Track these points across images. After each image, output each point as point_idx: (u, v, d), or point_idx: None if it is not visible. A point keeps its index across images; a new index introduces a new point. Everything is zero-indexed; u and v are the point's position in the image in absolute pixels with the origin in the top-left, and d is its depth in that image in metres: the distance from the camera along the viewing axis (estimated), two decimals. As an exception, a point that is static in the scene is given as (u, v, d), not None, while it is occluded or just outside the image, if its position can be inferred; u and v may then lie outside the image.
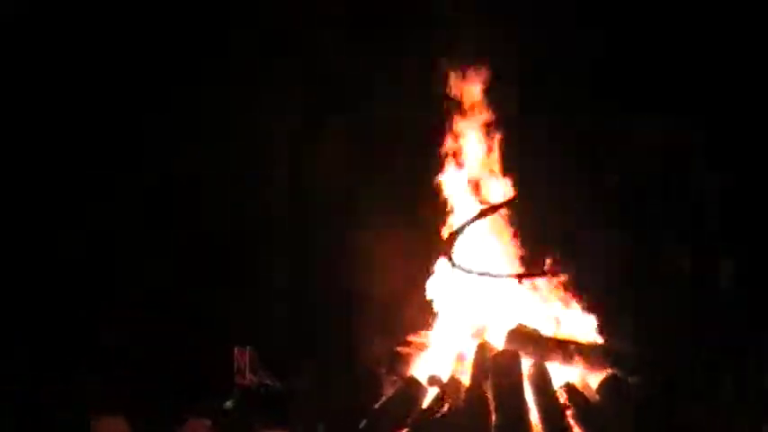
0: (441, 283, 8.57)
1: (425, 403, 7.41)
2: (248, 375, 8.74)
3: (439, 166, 9.04)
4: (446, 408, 7.21)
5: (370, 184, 9.47)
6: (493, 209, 8.61)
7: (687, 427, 7.11)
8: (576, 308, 8.45)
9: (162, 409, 8.10)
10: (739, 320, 8.66)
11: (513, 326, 7.88)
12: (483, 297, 8.26)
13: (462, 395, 7.26)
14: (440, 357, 8.00)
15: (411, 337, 8.35)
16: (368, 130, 9.96)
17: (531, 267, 8.61)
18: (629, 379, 7.58)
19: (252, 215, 10.07)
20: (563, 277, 8.46)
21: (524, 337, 7.80)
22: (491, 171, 8.95)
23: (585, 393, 7.42)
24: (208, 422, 8.02)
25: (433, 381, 7.49)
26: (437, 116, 9.06)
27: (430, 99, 9.17)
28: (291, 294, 9.87)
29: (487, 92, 9.01)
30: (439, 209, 8.90)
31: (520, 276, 8.43)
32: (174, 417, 8.01)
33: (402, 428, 7.15)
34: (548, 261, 8.55)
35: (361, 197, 9.45)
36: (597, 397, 7.43)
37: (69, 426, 7.75)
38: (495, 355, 7.52)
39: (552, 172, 9.32)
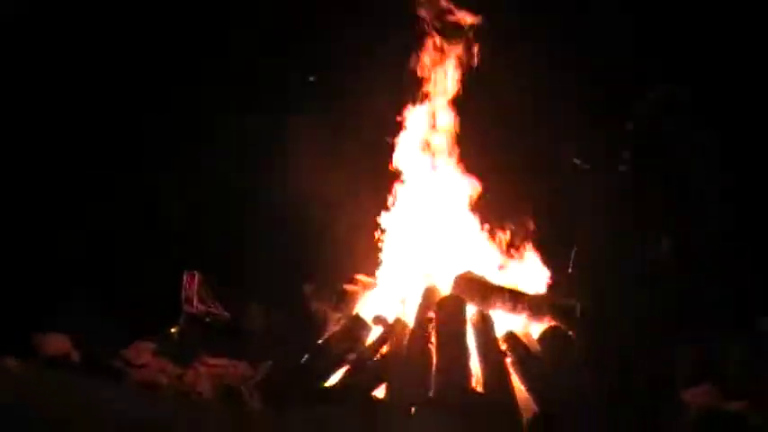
0: (391, 225, 8.69)
1: (368, 342, 7.49)
2: (196, 302, 8.88)
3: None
4: (388, 348, 7.30)
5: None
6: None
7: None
8: (528, 259, 8.61)
9: (107, 329, 8.18)
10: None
11: (460, 271, 7.95)
12: (433, 241, 8.34)
13: (406, 336, 7.33)
14: (387, 298, 8.10)
15: (359, 276, 8.47)
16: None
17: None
18: (570, 332, 7.67)
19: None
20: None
21: (471, 284, 7.87)
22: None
23: (526, 342, 7.50)
24: (152, 345, 8.13)
25: (378, 320, 7.58)
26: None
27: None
28: (238, 232, 9.94)
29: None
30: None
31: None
32: (120, 338, 8.12)
33: (343, 365, 7.25)
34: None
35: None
36: (537, 347, 7.52)
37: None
38: (441, 299, 7.60)
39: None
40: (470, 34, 9.04)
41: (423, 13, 8.98)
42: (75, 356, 7.65)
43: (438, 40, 9.08)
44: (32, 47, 9.78)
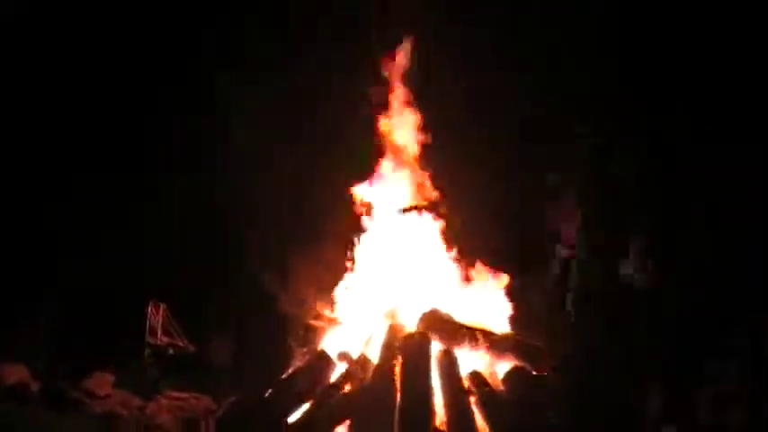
0: (357, 263, 8.65)
1: (333, 378, 7.37)
2: (160, 334, 8.87)
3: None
4: (352, 384, 7.20)
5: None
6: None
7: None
8: (494, 297, 8.51)
9: (67, 359, 8.14)
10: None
11: (426, 309, 7.89)
12: (399, 278, 8.30)
13: (370, 373, 7.23)
14: (351, 334, 8.01)
15: (325, 312, 8.38)
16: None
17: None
18: (534, 372, 7.61)
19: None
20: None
21: (436, 321, 7.81)
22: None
23: (491, 382, 7.40)
24: (113, 377, 8.06)
25: (343, 356, 7.49)
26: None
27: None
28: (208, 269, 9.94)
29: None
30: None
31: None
32: (79, 368, 8.05)
33: (307, 400, 7.12)
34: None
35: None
36: (502, 386, 7.41)
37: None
38: (406, 336, 7.53)
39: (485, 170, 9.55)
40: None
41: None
42: (34, 386, 7.56)
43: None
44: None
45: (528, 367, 7.65)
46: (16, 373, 7.69)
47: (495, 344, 7.83)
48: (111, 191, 9.95)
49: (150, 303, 8.90)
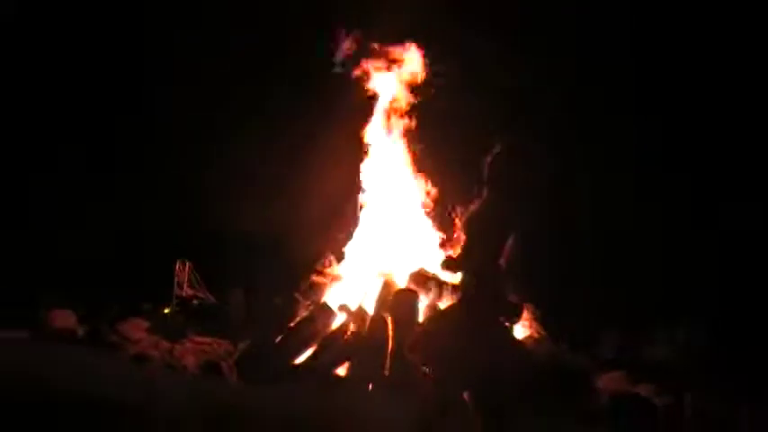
0: (357, 228, 9.07)
1: (334, 326, 7.84)
2: (186, 288, 9.27)
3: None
4: (350, 332, 7.70)
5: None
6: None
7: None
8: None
9: (108, 308, 8.61)
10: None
11: (414, 269, 8.36)
12: (393, 242, 8.75)
13: (366, 323, 7.72)
14: (350, 289, 8.46)
15: (326, 269, 8.84)
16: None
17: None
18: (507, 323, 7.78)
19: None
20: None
21: (423, 280, 8.22)
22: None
23: None
24: (145, 323, 8.52)
25: (343, 308, 7.95)
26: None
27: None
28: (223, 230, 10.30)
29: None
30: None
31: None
32: (118, 315, 8.52)
33: (312, 345, 7.63)
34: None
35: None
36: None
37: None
38: (397, 291, 7.97)
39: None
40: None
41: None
42: (80, 331, 8.10)
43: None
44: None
45: (502, 319, 7.64)
46: (65, 319, 8.18)
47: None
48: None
49: (178, 261, 9.29)
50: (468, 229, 5.86)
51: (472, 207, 5.89)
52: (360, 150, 9.30)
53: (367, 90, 9.31)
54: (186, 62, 10.53)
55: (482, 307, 5.73)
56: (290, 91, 10.56)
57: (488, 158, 5.80)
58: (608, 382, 7.86)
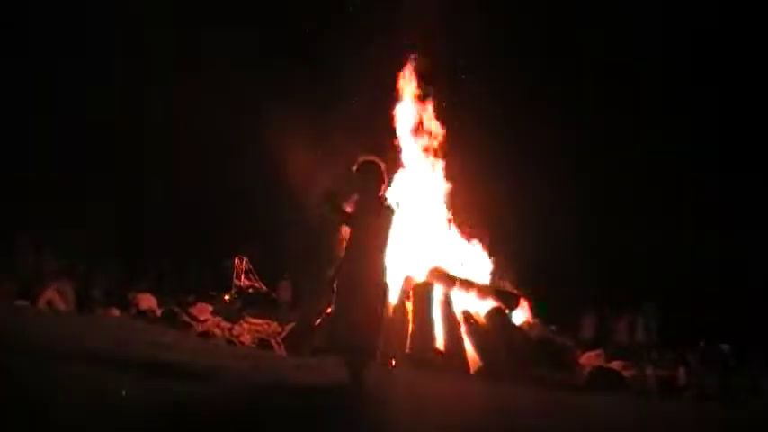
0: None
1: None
2: (243, 278, 10.19)
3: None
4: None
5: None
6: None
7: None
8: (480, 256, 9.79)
9: (183, 294, 9.49)
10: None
11: (432, 266, 9.09)
12: (413, 242, 9.35)
13: (391, 311, 8.35)
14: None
15: None
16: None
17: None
18: (508, 311, 8.93)
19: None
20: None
21: (439, 275, 9.00)
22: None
23: (476, 318, 8.69)
24: (210, 307, 9.34)
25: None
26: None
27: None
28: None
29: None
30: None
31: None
32: (190, 300, 9.40)
33: None
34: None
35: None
36: (484, 321, 8.70)
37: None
38: (416, 285, 8.71)
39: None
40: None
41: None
42: (158, 311, 8.89)
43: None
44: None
45: (503, 307, 8.88)
46: (147, 301, 9.00)
47: (481, 290, 9.05)
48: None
49: (236, 256, 10.15)
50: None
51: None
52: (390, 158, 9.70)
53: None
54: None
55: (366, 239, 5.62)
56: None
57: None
58: (588, 358, 8.78)
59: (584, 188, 10.86)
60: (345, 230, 5.78)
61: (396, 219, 5.78)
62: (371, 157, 5.77)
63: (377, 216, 5.69)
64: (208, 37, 10.84)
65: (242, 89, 10.95)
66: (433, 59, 9.84)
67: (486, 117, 10.63)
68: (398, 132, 9.92)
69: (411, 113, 9.96)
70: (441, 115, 9.95)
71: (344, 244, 5.77)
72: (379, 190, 5.73)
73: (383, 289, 5.92)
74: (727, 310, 9.45)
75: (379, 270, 5.74)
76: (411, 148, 9.94)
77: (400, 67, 9.83)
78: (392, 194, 9.03)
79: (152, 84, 11.16)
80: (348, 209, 5.80)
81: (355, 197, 5.82)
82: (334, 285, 5.71)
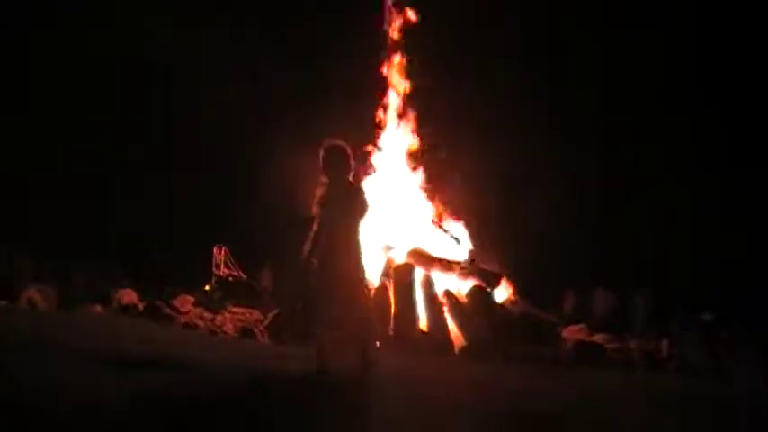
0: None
1: None
2: (223, 268, 10.00)
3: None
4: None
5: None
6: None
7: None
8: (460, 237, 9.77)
9: (162, 286, 9.36)
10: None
11: (412, 247, 9.11)
12: (394, 225, 9.39)
13: (372, 292, 8.07)
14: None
15: None
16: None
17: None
18: (488, 289, 8.92)
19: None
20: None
21: (419, 255, 9.01)
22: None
23: (458, 296, 8.67)
24: (192, 298, 9.24)
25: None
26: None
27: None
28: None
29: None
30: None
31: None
32: (171, 291, 9.26)
33: None
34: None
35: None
36: (465, 299, 8.69)
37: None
38: (397, 266, 8.68)
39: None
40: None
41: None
42: (140, 305, 8.74)
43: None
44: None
45: (484, 286, 8.88)
46: (128, 296, 8.89)
47: (462, 270, 9.03)
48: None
49: (216, 246, 9.98)
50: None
51: None
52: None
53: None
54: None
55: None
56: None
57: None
58: (571, 332, 8.78)
59: (579, 169, 10.98)
60: (316, 210, 5.85)
61: (367, 199, 5.92)
62: (336, 141, 5.92)
63: (347, 197, 5.85)
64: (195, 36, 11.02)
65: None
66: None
67: (470, 97, 10.80)
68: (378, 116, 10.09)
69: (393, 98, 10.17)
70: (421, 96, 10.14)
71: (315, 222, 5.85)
72: (347, 172, 5.92)
73: (362, 269, 5.98)
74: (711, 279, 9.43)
75: (356, 251, 5.89)
76: (391, 132, 10.07)
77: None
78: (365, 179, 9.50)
79: (130, 83, 11.37)
80: (318, 192, 5.88)
81: (324, 180, 5.91)
82: (314, 262, 5.87)
